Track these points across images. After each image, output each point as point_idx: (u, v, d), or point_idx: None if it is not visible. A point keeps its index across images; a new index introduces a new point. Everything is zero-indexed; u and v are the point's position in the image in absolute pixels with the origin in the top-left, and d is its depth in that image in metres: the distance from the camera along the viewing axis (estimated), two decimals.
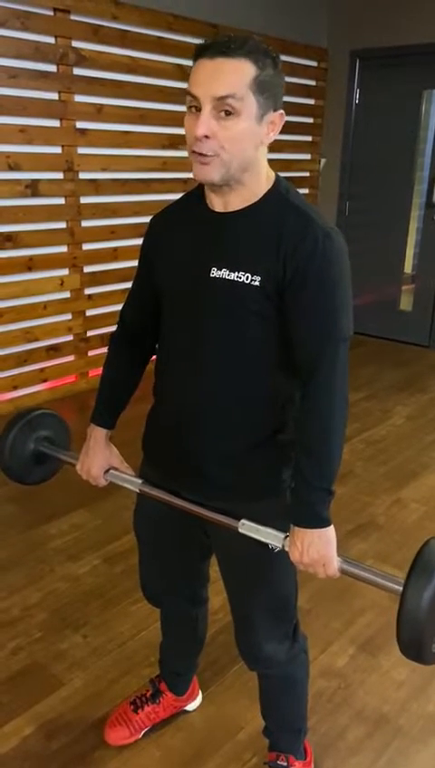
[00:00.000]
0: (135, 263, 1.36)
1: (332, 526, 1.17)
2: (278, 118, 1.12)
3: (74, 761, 1.62)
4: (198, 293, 1.19)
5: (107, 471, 1.40)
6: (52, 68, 3.49)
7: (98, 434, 1.40)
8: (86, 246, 3.91)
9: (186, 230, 1.23)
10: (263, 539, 1.20)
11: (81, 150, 3.73)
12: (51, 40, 3.45)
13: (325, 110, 5.31)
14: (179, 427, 1.28)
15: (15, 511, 2.72)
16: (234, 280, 1.15)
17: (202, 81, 1.05)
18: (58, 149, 3.64)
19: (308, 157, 5.35)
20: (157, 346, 1.36)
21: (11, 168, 3.43)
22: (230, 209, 1.16)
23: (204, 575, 1.55)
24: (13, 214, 3.50)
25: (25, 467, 1.49)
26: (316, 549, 1.15)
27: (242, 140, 1.08)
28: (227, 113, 1.05)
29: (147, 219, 1.33)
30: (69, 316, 3.94)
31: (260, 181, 1.15)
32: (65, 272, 3.85)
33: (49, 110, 3.54)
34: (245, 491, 1.26)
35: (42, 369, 3.88)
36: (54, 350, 3.93)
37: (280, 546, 1.19)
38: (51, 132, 3.58)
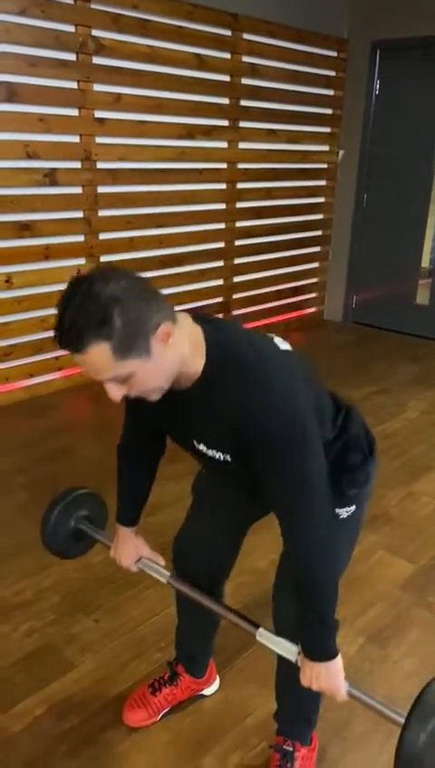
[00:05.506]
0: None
1: (338, 657, 1.22)
2: (163, 332, 1.04)
3: (84, 741, 1.65)
4: (191, 450, 1.29)
5: (138, 560, 1.54)
6: (71, 57, 3.50)
7: (124, 531, 1.55)
8: (103, 236, 3.91)
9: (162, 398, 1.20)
10: (277, 650, 1.29)
11: (99, 140, 3.74)
12: (71, 28, 3.46)
13: (344, 101, 5.26)
14: None
15: (29, 498, 2.75)
16: (212, 456, 1.24)
17: (81, 367, 1.06)
18: (76, 138, 3.65)
19: (326, 148, 5.32)
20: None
21: (29, 157, 3.45)
22: (184, 386, 1.16)
23: (237, 547, 1.59)
24: (30, 202, 3.52)
25: (65, 545, 1.63)
26: (324, 680, 1.21)
27: (150, 379, 1.09)
28: (121, 381, 1.07)
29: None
30: None
31: (189, 365, 1.13)
32: (82, 261, 3.85)
33: (68, 99, 3.55)
34: None
35: (57, 358, 3.90)
36: None
37: (294, 660, 1.26)
38: (69, 121, 3.59)
